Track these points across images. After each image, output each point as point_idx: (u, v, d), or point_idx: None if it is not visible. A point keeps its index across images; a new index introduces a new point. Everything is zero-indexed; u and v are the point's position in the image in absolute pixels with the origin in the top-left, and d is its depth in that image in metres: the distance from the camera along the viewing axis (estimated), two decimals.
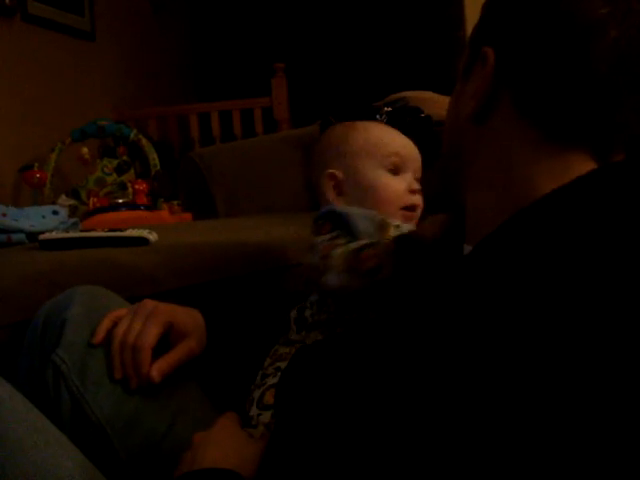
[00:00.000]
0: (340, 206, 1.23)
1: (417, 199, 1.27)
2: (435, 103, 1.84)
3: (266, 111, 4.42)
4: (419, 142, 1.58)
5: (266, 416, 1.07)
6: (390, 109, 1.81)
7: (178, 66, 5.55)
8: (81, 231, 1.74)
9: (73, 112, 4.05)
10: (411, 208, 1.27)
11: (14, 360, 1.17)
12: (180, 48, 5.61)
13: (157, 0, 5.15)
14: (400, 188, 1.26)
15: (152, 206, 3.48)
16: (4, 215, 1.88)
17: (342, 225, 1.18)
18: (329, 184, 1.28)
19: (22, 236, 1.86)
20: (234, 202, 2.09)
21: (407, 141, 1.30)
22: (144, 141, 3.91)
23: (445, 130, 0.93)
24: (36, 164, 3.56)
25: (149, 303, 1.16)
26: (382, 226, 1.18)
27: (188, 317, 1.18)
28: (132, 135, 3.91)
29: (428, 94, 2.14)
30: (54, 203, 3.45)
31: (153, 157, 3.85)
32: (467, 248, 0.89)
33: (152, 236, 1.55)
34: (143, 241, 1.54)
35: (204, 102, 4.90)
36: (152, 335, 1.10)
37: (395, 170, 1.27)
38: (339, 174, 1.28)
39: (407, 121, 1.83)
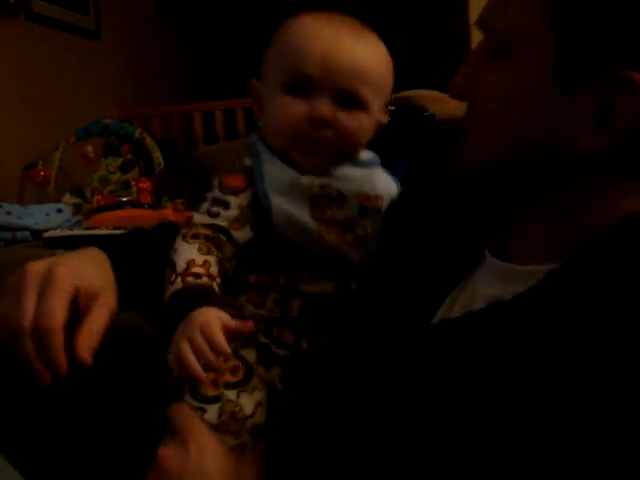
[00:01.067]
0: (265, 156, 1.01)
1: (320, 133, 0.98)
2: (439, 102, 1.84)
3: None
4: (422, 141, 1.56)
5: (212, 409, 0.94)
6: (394, 108, 1.80)
7: (182, 64, 5.55)
8: (85, 229, 1.74)
9: (77, 110, 4.05)
10: (309, 142, 0.99)
11: None
12: (184, 46, 5.61)
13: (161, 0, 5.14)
14: (296, 113, 0.97)
15: (156, 204, 3.48)
16: (9, 213, 1.89)
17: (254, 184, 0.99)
18: (253, 96, 1.08)
19: (27, 234, 1.88)
20: None
21: (337, 51, 0.96)
22: (148, 140, 3.91)
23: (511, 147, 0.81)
24: (40, 162, 3.56)
25: (38, 266, 0.91)
26: (316, 200, 1.00)
27: (93, 269, 0.96)
28: (136, 134, 3.91)
29: (432, 93, 2.14)
30: (59, 201, 3.45)
31: (157, 156, 3.85)
32: (492, 260, 0.87)
33: None
34: None
35: (208, 100, 4.90)
36: (58, 310, 0.86)
37: (299, 88, 0.97)
38: (257, 85, 1.07)
39: (411, 120, 1.83)
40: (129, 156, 3.88)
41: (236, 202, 0.99)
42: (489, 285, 0.84)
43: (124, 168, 3.84)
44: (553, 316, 0.70)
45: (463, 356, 0.72)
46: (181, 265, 0.92)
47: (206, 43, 5.85)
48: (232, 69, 5.64)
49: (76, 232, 1.62)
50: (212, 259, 0.94)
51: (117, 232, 1.56)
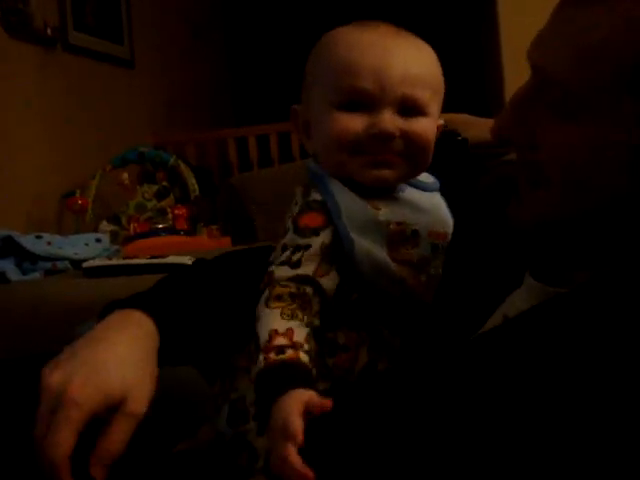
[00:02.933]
0: (333, 185, 0.92)
1: (381, 145, 0.90)
2: (470, 125, 1.84)
3: None
4: (455, 165, 1.54)
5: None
6: None
7: (216, 91, 5.60)
8: (124, 258, 1.77)
9: (113, 138, 4.11)
10: (370, 155, 0.91)
11: None
12: (217, 73, 5.67)
13: (196, 26, 5.20)
14: (352, 128, 0.90)
15: (191, 231, 3.52)
16: (49, 244, 1.92)
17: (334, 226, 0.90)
18: (296, 124, 1.00)
19: (67, 263, 1.90)
20: (273, 227, 2.10)
21: (390, 61, 0.91)
22: (183, 166, 3.94)
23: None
24: (78, 191, 3.61)
25: (51, 382, 0.84)
26: (392, 239, 0.91)
27: (121, 364, 0.87)
28: (171, 161, 3.95)
29: (463, 116, 2.14)
30: (96, 229, 3.50)
31: (192, 182, 3.88)
32: (530, 279, 0.87)
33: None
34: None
35: (242, 126, 4.94)
36: (64, 443, 0.81)
37: (353, 105, 0.90)
38: (301, 110, 0.99)
39: (443, 144, 1.83)
40: (164, 183, 3.92)
41: (317, 243, 0.89)
42: (522, 303, 0.84)
43: (160, 195, 3.88)
44: (548, 334, 0.71)
45: (476, 373, 0.73)
46: (263, 338, 0.83)
47: (239, 70, 5.90)
48: (265, 95, 5.69)
49: (114, 262, 1.64)
50: (296, 324, 0.84)
51: (155, 261, 1.58)
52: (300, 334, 0.83)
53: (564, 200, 0.78)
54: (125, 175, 3.75)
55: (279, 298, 0.85)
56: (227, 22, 5.85)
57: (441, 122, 0.98)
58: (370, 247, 0.90)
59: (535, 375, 0.67)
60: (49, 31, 3.59)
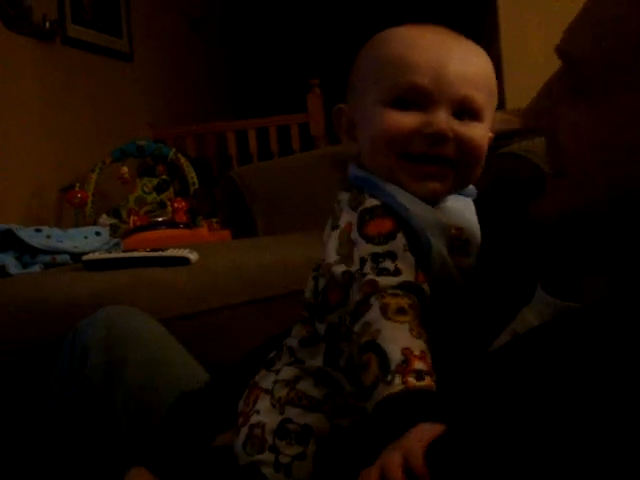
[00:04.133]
0: (391, 187, 0.85)
1: (439, 150, 0.85)
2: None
3: (302, 127, 4.44)
4: None
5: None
6: None
7: (215, 84, 5.60)
8: (123, 251, 1.76)
9: (112, 132, 4.11)
10: (420, 159, 0.85)
11: None
12: (216, 66, 5.66)
13: (194, 18, 5.20)
14: (405, 126, 0.84)
15: (191, 224, 3.51)
16: (48, 237, 1.91)
17: (405, 230, 0.82)
18: (340, 123, 0.94)
19: (66, 257, 1.90)
20: (273, 220, 2.11)
21: (448, 59, 0.85)
22: (182, 160, 3.94)
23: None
24: (77, 184, 3.61)
25: None
26: (452, 243, 0.86)
27: None
28: (171, 154, 3.95)
29: None
30: (95, 222, 3.50)
31: (192, 175, 3.88)
32: (541, 292, 0.85)
33: (193, 255, 1.57)
34: (184, 261, 1.56)
35: (241, 119, 4.94)
36: None
37: (407, 103, 0.85)
38: (347, 109, 0.93)
39: None
40: (164, 176, 3.92)
41: (399, 247, 0.81)
42: (534, 317, 0.83)
43: (159, 188, 3.88)
44: (556, 351, 0.69)
45: (486, 388, 0.72)
46: (396, 356, 0.73)
47: (238, 62, 5.90)
48: (264, 87, 5.68)
49: (114, 255, 1.63)
50: (425, 346, 0.75)
51: (155, 254, 1.58)
52: (430, 357, 0.75)
53: (585, 187, 0.75)
54: (125, 168, 3.75)
55: (402, 311, 0.76)
56: (226, 14, 5.84)
57: (491, 135, 0.93)
58: (441, 247, 0.84)
59: (542, 393, 0.67)
60: (47, 24, 3.59)
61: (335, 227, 0.87)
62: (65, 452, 1.14)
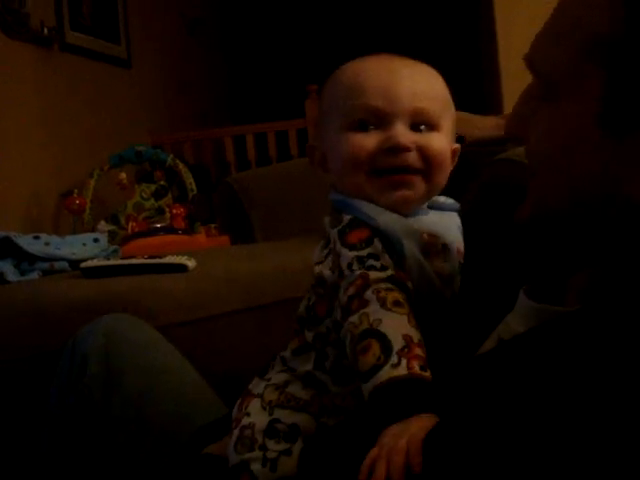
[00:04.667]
0: (359, 203, 0.90)
1: (399, 159, 0.89)
2: (466, 123, 1.84)
3: (301, 133, 4.44)
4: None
5: None
6: None
7: (213, 90, 5.61)
8: (121, 258, 1.76)
9: (110, 138, 4.11)
10: (387, 172, 0.89)
11: None
12: (214, 72, 5.67)
13: (192, 21, 5.21)
14: (366, 145, 0.89)
15: (189, 230, 3.52)
16: (47, 244, 1.91)
17: (376, 238, 0.86)
18: (314, 159, 0.98)
19: (65, 264, 1.90)
20: (271, 226, 2.11)
21: (396, 79, 0.91)
22: (181, 166, 3.95)
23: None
24: (76, 190, 3.61)
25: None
26: (427, 249, 0.89)
27: None
28: (169, 160, 3.95)
29: (461, 114, 2.15)
30: (94, 228, 3.50)
31: (190, 181, 3.89)
32: (523, 298, 0.86)
33: (190, 262, 1.57)
34: (182, 267, 1.56)
35: (239, 125, 4.95)
36: None
37: (366, 125, 0.90)
38: (317, 144, 0.98)
39: None
40: (162, 182, 3.93)
41: (378, 250, 0.86)
42: (517, 323, 0.84)
43: (157, 194, 3.88)
44: (542, 357, 0.70)
45: (474, 393, 0.73)
46: (398, 340, 0.76)
47: (236, 68, 5.90)
48: (262, 93, 5.69)
49: (112, 262, 1.64)
50: (421, 337, 0.79)
51: (153, 261, 1.58)
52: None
53: (550, 189, 0.78)
54: (123, 174, 3.75)
55: (399, 304, 0.80)
56: (224, 21, 5.85)
57: (457, 146, 0.97)
58: (415, 251, 0.88)
59: (527, 400, 0.67)
60: (46, 31, 3.60)
61: (324, 247, 0.92)
62: (64, 460, 1.14)
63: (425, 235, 0.90)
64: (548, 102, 0.77)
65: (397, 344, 0.76)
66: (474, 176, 1.39)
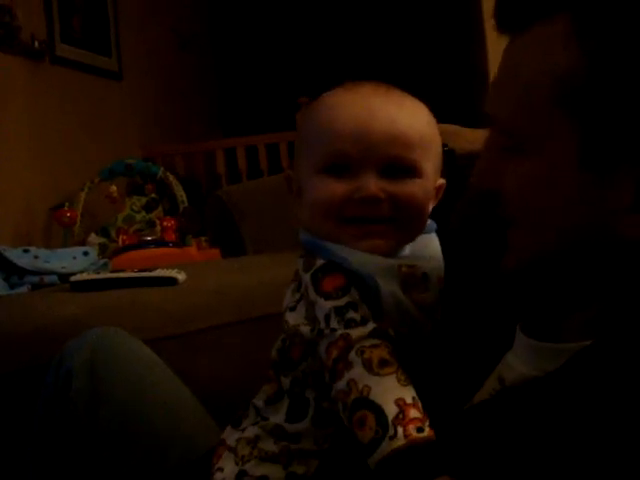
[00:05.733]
0: (331, 245, 0.87)
1: (368, 209, 0.86)
2: (457, 136, 1.84)
3: (292, 145, 4.43)
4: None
5: None
6: None
7: (204, 102, 5.61)
8: (111, 272, 1.76)
9: (101, 151, 4.11)
10: (357, 220, 0.86)
11: None
12: (205, 85, 5.67)
13: (182, 37, 5.21)
14: (336, 194, 0.86)
15: (180, 243, 3.51)
16: (36, 257, 1.91)
17: (354, 285, 0.83)
18: (292, 188, 0.95)
19: (54, 277, 1.90)
20: (262, 239, 2.10)
21: (372, 122, 0.86)
22: (171, 178, 3.95)
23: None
24: (66, 203, 3.60)
25: None
26: (406, 281, 0.86)
27: None
28: (160, 173, 3.95)
29: (452, 127, 2.15)
30: (84, 241, 3.49)
31: (180, 194, 3.89)
32: (521, 336, 0.85)
33: (181, 276, 1.57)
34: (172, 281, 1.56)
35: (230, 137, 4.95)
36: None
37: (338, 169, 0.86)
38: (294, 175, 0.95)
39: None
40: (153, 195, 3.92)
41: (356, 298, 0.83)
42: (520, 362, 0.83)
43: (148, 207, 3.88)
44: (578, 395, 0.70)
45: (495, 438, 0.72)
46: (391, 409, 0.74)
47: (227, 81, 5.91)
48: (253, 106, 5.69)
49: (102, 275, 1.63)
50: (414, 392, 0.77)
51: (143, 275, 1.57)
52: (420, 402, 0.76)
53: (537, 238, 0.77)
54: (114, 187, 3.75)
55: (386, 363, 0.78)
56: (214, 34, 5.86)
57: (442, 181, 0.94)
58: (393, 288, 0.85)
59: (537, 449, 0.67)
60: (37, 44, 3.60)
61: (296, 290, 0.90)
62: (49, 475, 1.13)
63: (403, 268, 0.87)
64: (521, 153, 0.75)
65: (391, 413, 0.74)
66: (465, 189, 1.39)
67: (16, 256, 1.91)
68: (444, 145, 1.86)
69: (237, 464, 0.89)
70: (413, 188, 0.87)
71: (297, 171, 0.93)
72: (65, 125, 3.86)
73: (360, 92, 0.89)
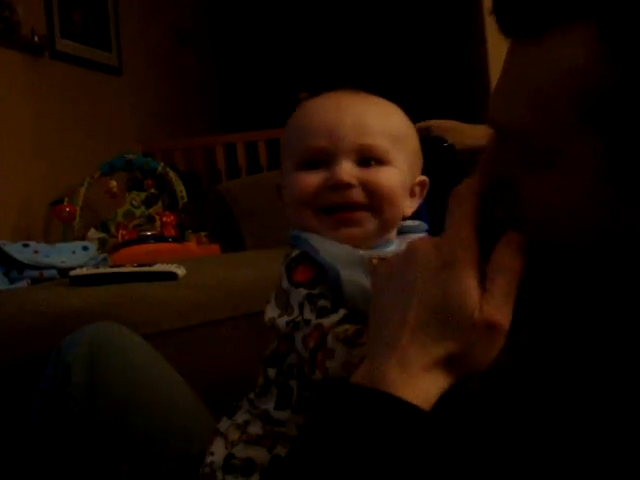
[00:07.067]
0: (307, 235, 0.91)
1: (341, 196, 0.90)
2: (458, 132, 1.84)
3: None
4: (442, 171, 1.52)
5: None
6: None
7: (203, 98, 5.61)
8: (111, 266, 1.76)
9: (101, 146, 4.11)
10: (330, 210, 0.91)
11: None
12: (205, 80, 5.67)
13: (182, 33, 5.21)
14: (310, 184, 0.91)
15: (180, 238, 3.51)
16: (36, 252, 1.91)
17: (323, 277, 0.87)
18: (281, 199, 0.98)
19: (54, 272, 1.90)
20: (261, 234, 2.10)
21: (341, 117, 0.91)
22: (171, 174, 3.95)
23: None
24: (66, 198, 3.60)
25: None
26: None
27: None
28: (159, 168, 3.95)
29: (452, 123, 2.14)
30: (84, 237, 3.49)
31: (180, 189, 3.89)
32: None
33: (180, 270, 1.57)
34: (172, 276, 1.56)
35: (230, 133, 4.95)
36: None
37: (313, 164, 0.92)
38: (281, 183, 0.99)
39: (430, 151, 1.82)
40: (153, 190, 3.92)
41: (326, 289, 0.87)
42: None
43: (148, 202, 3.88)
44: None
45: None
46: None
47: (227, 76, 5.91)
48: (253, 102, 5.69)
49: (101, 270, 1.63)
50: None
51: (142, 269, 1.58)
52: None
53: (550, 255, 0.72)
54: (113, 182, 3.75)
55: (360, 333, 0.81)
56: (214, 29, 5.86)
57: (422, 178, 0.97)
58: (357, 277, 0.87)
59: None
60: (36, 39, 3.60)
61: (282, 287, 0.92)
62: (48, 470, 1.13)
63: (375, 260, 0.89)
64: (541, 165, 0.70)
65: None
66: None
67: (16, 250, 1.91)
68: (444, 141, 1.86)
69: (226, 448, 0.93)
70: (385, 174, 0.91)
71: (281, 176, 0.97)
72: (65, 120, 3.85)
73: (333, 96, 0.96)
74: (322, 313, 0.85)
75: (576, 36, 0.66)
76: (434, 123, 2.02)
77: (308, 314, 0.85)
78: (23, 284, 1.87)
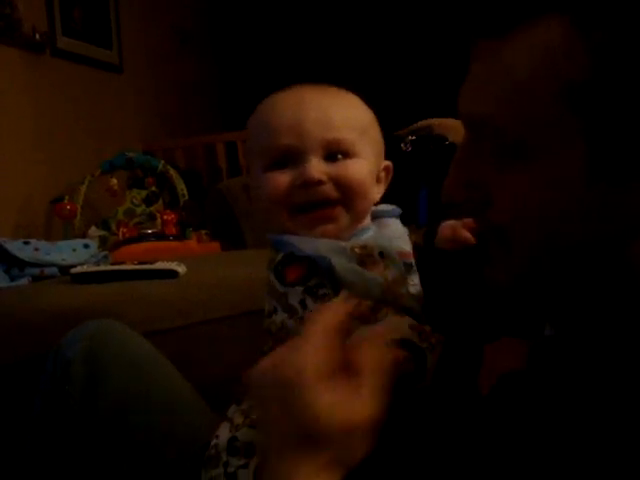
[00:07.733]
0: (287, 237, 0.92)
1: (313, 193, 0.91)
2: (459, 130, 1.84)
3: None
4: (444, 170, 1.53)
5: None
6: (414, 137, 1.80)
7: (204, 95, 5.60)
8: (112, 264, 1.76)
9: (102, 144, 4.10)
10: (304, 208, 0.92)
11: None
12: (206, 78, 5.66)
13: (184, 31, 5.21)
14: (281, 184, 0.91)
15: (181, 236, 3.51)
16: (36, 250, 1.91)
17: (315, 270, 0.88)
18: (250, 197, 1.01)
19: (55, 270, 1.90)
20: (262, 233, 2.11)
21: (305, 112, 0.92)
22: (172, 172, 3.94)
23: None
24: (67, 196, 3.60)
25: None
26: (362, 261, 0.90)
27: None
28: (160, 166, 3.95)
29: (452, 121, 2.15)
30: (84, 234, 3.49)
31: (181, 187, 3.88)
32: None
33: (181, 268, 1.57)
34: (172, 273, 1.56)
35: (230, 131, 4.94)
36: None
37: (281, 163, 0.92)
38: (249, 181, 1.01)
39: (431, 149, 1.83)
40: (153, 188, 3.91)
41: (319, 281, 0.89)
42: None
43: (149, 200, 3.87)
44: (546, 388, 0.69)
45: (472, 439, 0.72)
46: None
47: (228, 74, 5.90)
48: (253, 100, 5.68)
49: (102, 268, 1.63)
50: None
51: (143, 267, 1.58)
52: None
53: (523, 257, 0.72)
54: (114, 180, 3.74)
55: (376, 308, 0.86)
56: (215, 27, 5.85)
57: (387, 163, 0.99)
58: (351, 265, 0.89)
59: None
60: (37, 36, 3.59)
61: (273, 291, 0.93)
62: (48, 467, 1.13)
63: (356, 249, 0.91)
64: (518, 159, 0.69)
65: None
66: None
67: (16, 248, 1.91)
68: (445, 139, 1.87)
69: (231, 431, 0.95)
70: (354, 167, 0.93)
71: (250, 176, 0.99)
72: (65, 118, 3.85)
73: (293, 91, 0.97)
74: (324, 299, 0.86)
75: (548, 30, 0.66)
76: (435, 122, 2.03)
77: (312, 306, 0.86)
78: (24, 282, 1.87)
